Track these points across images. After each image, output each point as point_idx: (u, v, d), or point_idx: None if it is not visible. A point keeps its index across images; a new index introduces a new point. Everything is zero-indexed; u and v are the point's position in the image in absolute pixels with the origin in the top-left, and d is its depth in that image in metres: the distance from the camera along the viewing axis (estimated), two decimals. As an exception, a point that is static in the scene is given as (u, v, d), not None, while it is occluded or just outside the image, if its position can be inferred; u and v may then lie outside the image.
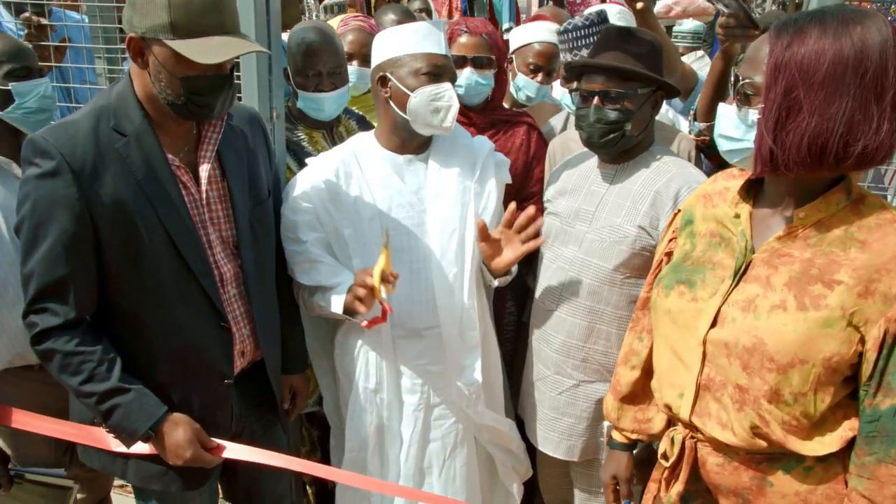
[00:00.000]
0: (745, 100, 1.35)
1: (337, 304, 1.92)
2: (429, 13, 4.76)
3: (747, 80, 1.34)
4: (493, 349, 2.17)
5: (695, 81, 2.85)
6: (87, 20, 3.25)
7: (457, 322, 2.03)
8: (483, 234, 1.96)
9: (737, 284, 1.42)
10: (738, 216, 1.47)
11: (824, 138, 1.25)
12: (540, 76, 2.75)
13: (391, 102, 2.00)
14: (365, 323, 1.88)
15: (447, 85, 1.96)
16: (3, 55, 1.99)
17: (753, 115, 1.33)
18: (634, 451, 1.84)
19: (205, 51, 1.53)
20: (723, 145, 1.41)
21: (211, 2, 1.55)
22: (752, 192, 1.48)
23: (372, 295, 1.80)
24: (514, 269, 2.11)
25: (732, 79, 1.40)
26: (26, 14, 2.79)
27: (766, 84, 1.29)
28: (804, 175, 1.32)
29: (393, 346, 2.05)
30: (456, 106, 1.96)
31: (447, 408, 2.11)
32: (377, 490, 2.10)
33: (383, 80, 2.00)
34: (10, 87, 1.99)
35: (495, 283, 2.11)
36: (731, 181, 1.54)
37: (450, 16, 5.79)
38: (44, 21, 2.81)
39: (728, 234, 1.49)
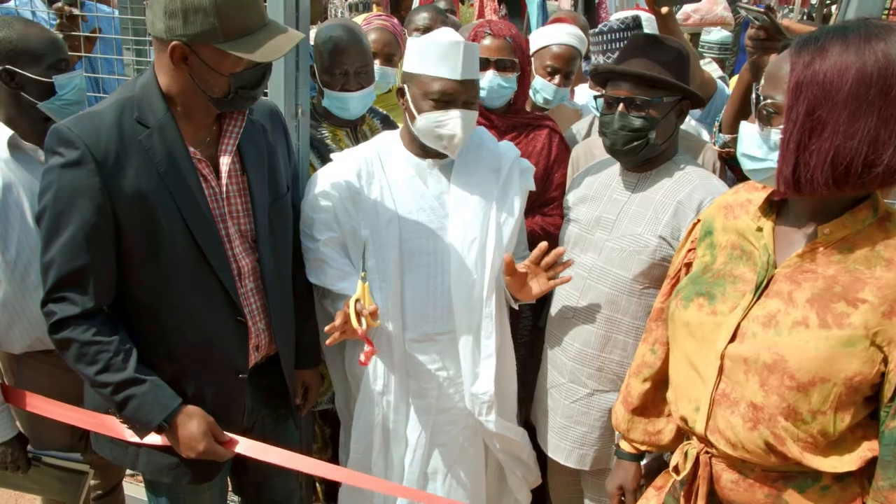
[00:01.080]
0: (766, 119, 1.32)
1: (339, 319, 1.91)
2: (452, 13, 4.76)
3: (769, 100, 1.31)
4: (508, 358, 2.15)
5: (714, 89, 2.83)
6: (117, 12, 3.29)
7: (473, 329, 2.02)
8: (509, 269, 1.94)
9: (758, 299, 1.40)
10: (760, 230, 1.44)
11: (849, 158, 1.22)
12: (557, 79, 2.74)
13: (406, 114, 2.02)
14: (361, 359, 1.85)
15: (453, 113, 1.92)
16: (45, 47, 2.02)
17: (776, 135, 1.29)
18: (643, 462, 1.83)
19: (261, 48, 1.57)
20: (746, 164, 1.38)
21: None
22: (775, 206, 1.46)
23: (350, 325, 1.78)
24: None
25: (754, 97, 1.36)
26: (59, 4, 2.82)
27: (788, 104, 1.26)
28: (829, 195, 1.29)
29: (404, 348, 2.04)
30: (459, 135, 1.93)
31: (456, 414, 2.09)
32: (387, 492, 2.09)
33: (401, 92, 2.01)
34: (53, 80, 2.02)
35: (515, 305, 2.11)
36: (754, 193, 1.51)
37: (480, 17, 5.79)
38: (75, 11, 2.84)
39: (750, 248, 1.46)
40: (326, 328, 1.81)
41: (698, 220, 1.65)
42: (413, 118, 1.97)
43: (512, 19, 5.82)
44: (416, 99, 1.95)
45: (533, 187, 2.18)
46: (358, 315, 1.78)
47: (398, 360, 2.05)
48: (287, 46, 1.61)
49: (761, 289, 1.40)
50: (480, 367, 2.04)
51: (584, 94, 3.24)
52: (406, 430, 2.09)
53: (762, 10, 2.06)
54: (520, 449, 2.18)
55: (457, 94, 1.93)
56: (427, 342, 2.05)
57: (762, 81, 1.35)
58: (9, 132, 2.01)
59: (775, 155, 1.30)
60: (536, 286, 1.99)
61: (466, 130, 1.95)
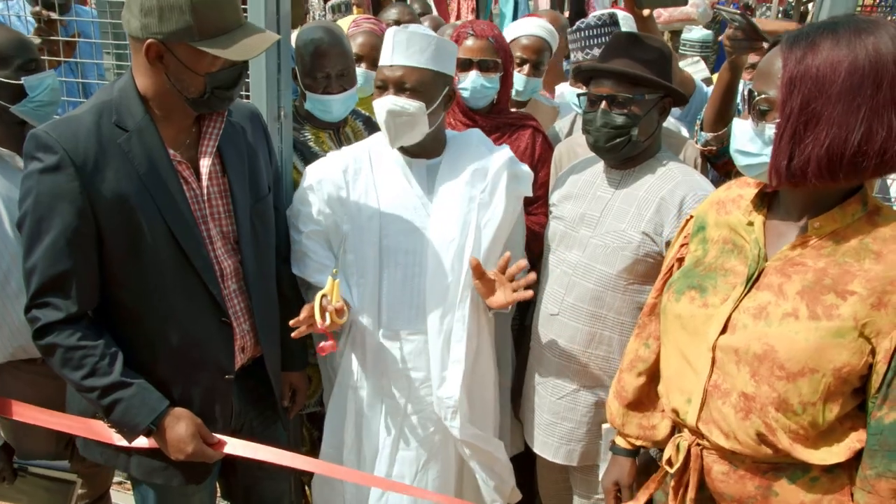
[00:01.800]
0: (760, 115, 1.34)
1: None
2: (428, 11, 4.80)
3: (762, 96, 1.33)
4: (485, 365, 2.13)
5: (693, 88, 2.85)
6: (96, 14, 3.26)
7: (444, 332, 2.01)
8: (477, 272, 1.92)
9: (749, 291, 1.41)
10: (751, 224, 1.46)
11: (843, 148, 1.24)
12: (526, 68, 2.76)
13: None
14: (320, 344, 1.87)
15: (383, 99, 1.93)
16: (13, 49, 1.99)
17: (770, 129, 1.31)
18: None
19: (236, 48, 1.56)
20: (740, 160, 1.40)
21: None
22: (766, 200, 1.48)
23: (315, 319, 1.80)
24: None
25: (746, 94, 1.39)
26: (37, 9, 2.80)
27: (782, 98, 1.28)
28: (822, 186, 1.31)
29: (377, 345, 2.04)
30: (384, 119, 1.93)
31: (426, 417, 2.08)
32: (373, 485, 2.09)
33: None
34: (22, 82, 1.99)
35: (490, 313, 2.08)
36: (746, 189, 1.53)
37: (458, 19, 5.81)
38: (53, 16, 2.81)
39: (741, 242, 1.48)
40: (291, 322, 1.81)
41: (691, 216, 1.66)
42: None
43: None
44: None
45: (529, 193, 2.14)
46: (323, 311, 1.79)
47: (371, 357, 2.05)
48: (262, 46, 1.61)
49: (752, 281, 1.41)
50: (448, 370, 2.02)
51: (565, 92, 3.26)
52: (378, 427, 2.08)
53: (738, 11, 2.09)
54: (492, 460, 2.13)
55: (387, 80, 1.94)
56: (400, 341, 2.05)
57: (754, 78, 1.37)
58: None
59: (769, 149, 1.32)
60: (501, 296, 1.94)
61: (396, 117, 1.92)
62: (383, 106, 1.93)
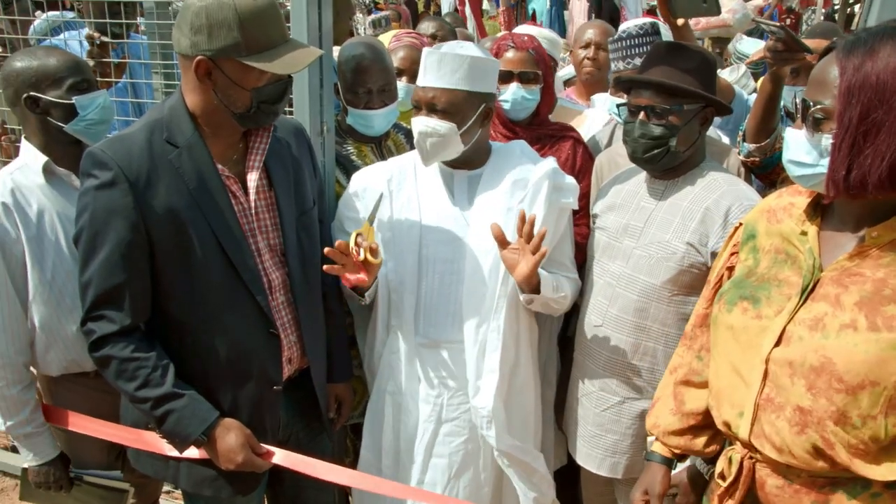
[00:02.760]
0: (815, 125, 1.29)
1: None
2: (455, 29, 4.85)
3: (818, 105, 1.29)
4: (524, 376, 2.12)
5: (731, 96, 2.81)
6: (146, 37, 3.36)
7: (479, 341, 2.02)
8: (500, 240, 1.90)
9: (804, 303, 1.37)
10: (805, 233, 1.42)
11: None
12: None
13: None
14: (349, 277, 1.86)
15: (416, 119, 1.97)
16: (65, 70, 2.06)
17: (826, 140, 1.27)
18: (674, 472, 1.78)
19: (281, 62, 1.61)
20: (794, 171, 1.36)
21: (273, 14, 1.62)
22: (819, 209, 1.44)
23: (350, 255, 1.82)
24: (553, 293, 2.00)
25: (799, 103, 1.34)
26: (89, 32, 2.90)
27: (840, 108, 1.24)
28: (882, 198, 1.27)
29: (416, 352, 2.06)
30: (417, 139, 1.97)
31: (460, 425, 2.09)
32: (420, 500, 2.08)
33: None
34: (73, 101, 2.06)
35: (522, 297, 2.02)
36: (797, 197, 1.49)
37: (508, 29, 5.85)
38: (105, 39, 2.91)
39: (794, 252, 1.44)
40: (325, 250, 1.80)
41: (740, 224, 1.63)
42: None
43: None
44: None
45: (574, 205, 2.13)
46: (357, 246, 1.81)
47: (407, 363, 2.07)
48: (307, 60, 1.65)
49: (807, 292, 1.37)
50: (483, 380, 2.02)
51: (603, 102, 3.25)
52: (414, 433, 2.10)
53: (778, 23, 2.08)
54: (530, 471, 2.12)
55: (420, 101, 1.98)
56: (437, 349, 2.07)
57: (808, 86, 1.33)
58: (44, 158, 2.05)
59: (826, 160, 1.28)
60: (524, 265, 1.88)
61: (427, 137, 1.96)
62: (416, 127, 1.98)
